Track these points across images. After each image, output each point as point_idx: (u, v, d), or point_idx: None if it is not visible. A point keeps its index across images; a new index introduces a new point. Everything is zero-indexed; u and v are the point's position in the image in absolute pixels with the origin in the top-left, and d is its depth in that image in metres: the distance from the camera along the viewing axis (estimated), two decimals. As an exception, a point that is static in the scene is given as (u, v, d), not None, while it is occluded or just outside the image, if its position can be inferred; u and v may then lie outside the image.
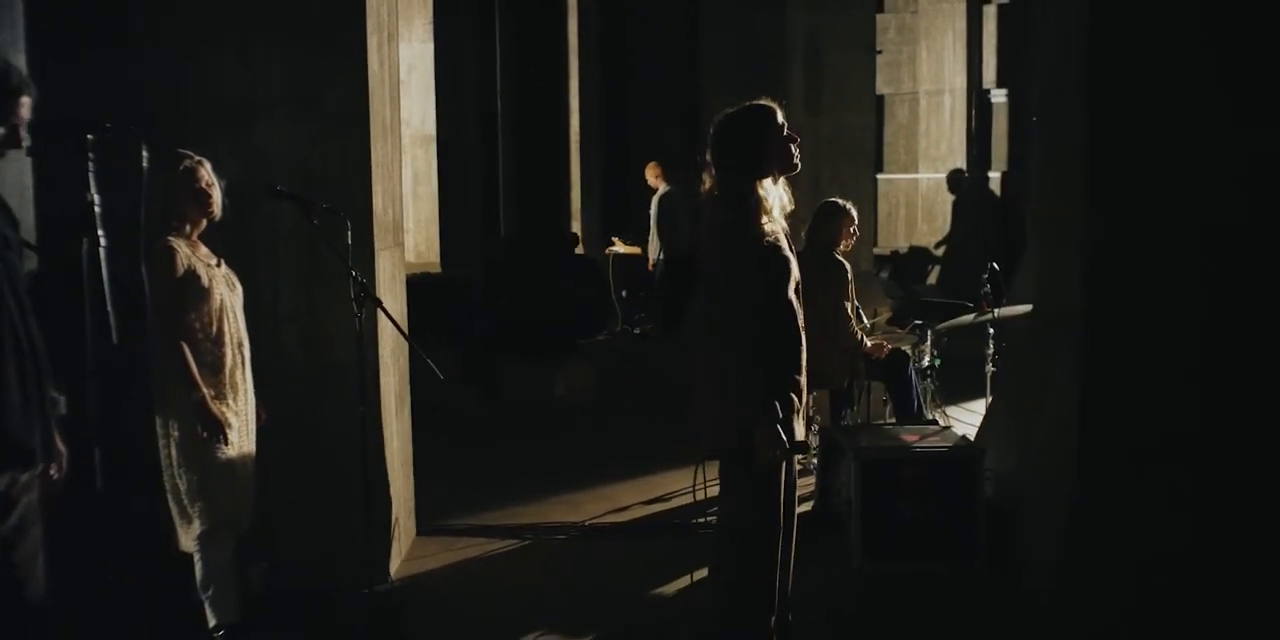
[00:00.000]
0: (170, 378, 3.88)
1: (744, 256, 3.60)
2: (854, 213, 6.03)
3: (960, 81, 13.57)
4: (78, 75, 3.77)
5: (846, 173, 7.92)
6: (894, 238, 13.67)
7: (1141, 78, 4.46)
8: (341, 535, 4.63)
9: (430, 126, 9.59)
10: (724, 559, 3.91)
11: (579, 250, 12.14)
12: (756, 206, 3.62)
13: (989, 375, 6.39)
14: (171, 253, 3.84)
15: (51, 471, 3.05)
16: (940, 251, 13.52)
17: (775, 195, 3.67)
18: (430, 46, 9.60)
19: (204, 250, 4.00)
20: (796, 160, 3.70)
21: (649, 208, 11.22)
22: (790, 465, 3.78)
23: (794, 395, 3.59)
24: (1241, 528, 4.27)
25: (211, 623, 4.02)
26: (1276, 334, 4.39)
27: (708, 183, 3.76)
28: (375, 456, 4.58)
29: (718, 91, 8.46)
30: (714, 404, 3.66)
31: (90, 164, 2.91)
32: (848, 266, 5.95)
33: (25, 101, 2.86)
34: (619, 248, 12.16)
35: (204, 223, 3.99)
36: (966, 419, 7.01)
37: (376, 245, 4.72)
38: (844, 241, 5.97)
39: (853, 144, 8.21)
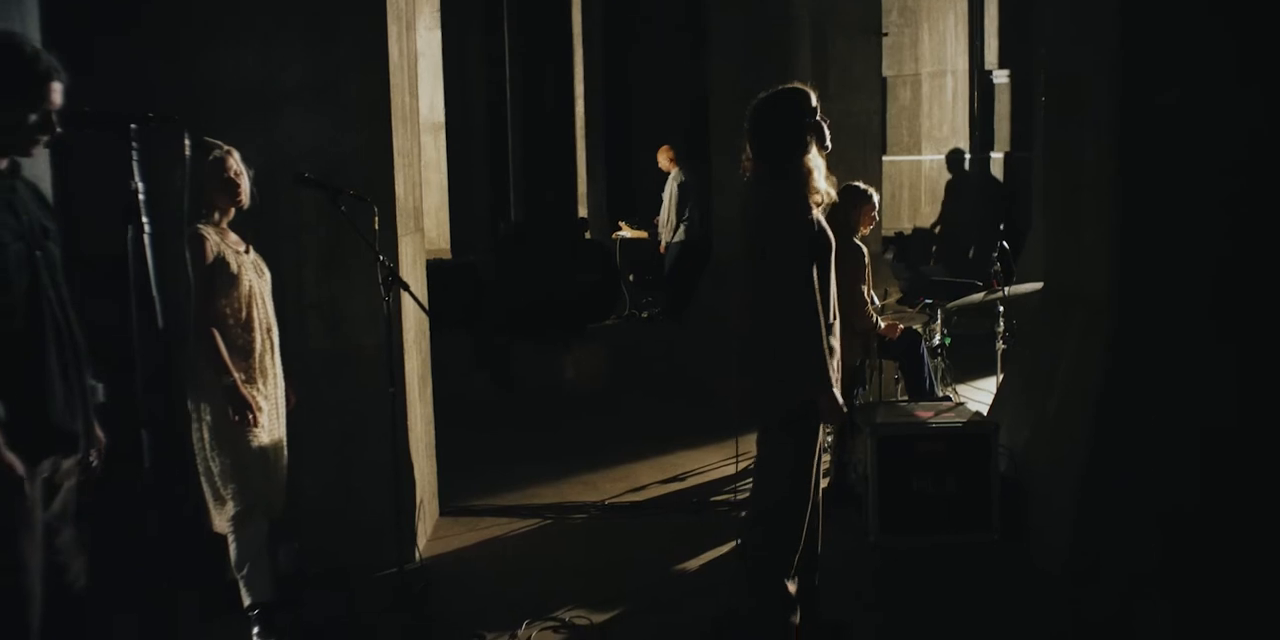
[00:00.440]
0: (201, 363, 3.97)
1: (794, 232, 3.74)
2: (876, 198, 6.12)
3: (962, 63, 13.58)
4: (93, 67, 3.81)
5: (854, 156, 7.98)
6: (898, 219, 13.71)
7: (1175, 56, 4.55)
8: (368, 516, 4.73)
9: (439, 114, 9.65)
10: (756, 528, 4.00)
11: (587, 235, 12.21)
12: (801, 185, 3.77)
13: (999, 352, 6.47)
14: (201, 240, 3.92)
15: (91, 458, 3.12)
16: (938, 231, 13.59)
17: (822, 181, 3.79)
18: (437, 34, 9.65)
19: (233, 237, 4.08)
20: (829, 142, 3.83)
21: (661, 192, 11.29)
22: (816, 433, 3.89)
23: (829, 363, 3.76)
24: (1252, 500, 4.36)
25: (246, 602, 4.11)
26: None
27: (747, 165, 3.88)
28: (402, 438, 4.66)
29: (725, 77, 8.53)
30: (769, 373, 3.79)
31: (134, 153, 2.97)
32: (865, 251, 6.03)
33: (57, 87, 2.90)
34: (626, 232, 12.23)
35: (233, 211, 4.07)
36: (976, 397, 7.10)
37: (399, 231, 4.80)
38: (864, 227, 6.04)
39: (860, 127, 8.28)
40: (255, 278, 4.08)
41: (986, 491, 4.99)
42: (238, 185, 4.01)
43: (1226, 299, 4.57)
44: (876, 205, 6.10)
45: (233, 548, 4.09)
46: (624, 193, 13.69)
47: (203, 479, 4.09)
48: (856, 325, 5.94)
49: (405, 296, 4.59)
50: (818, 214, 3.84)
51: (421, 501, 5.06)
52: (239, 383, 3.95)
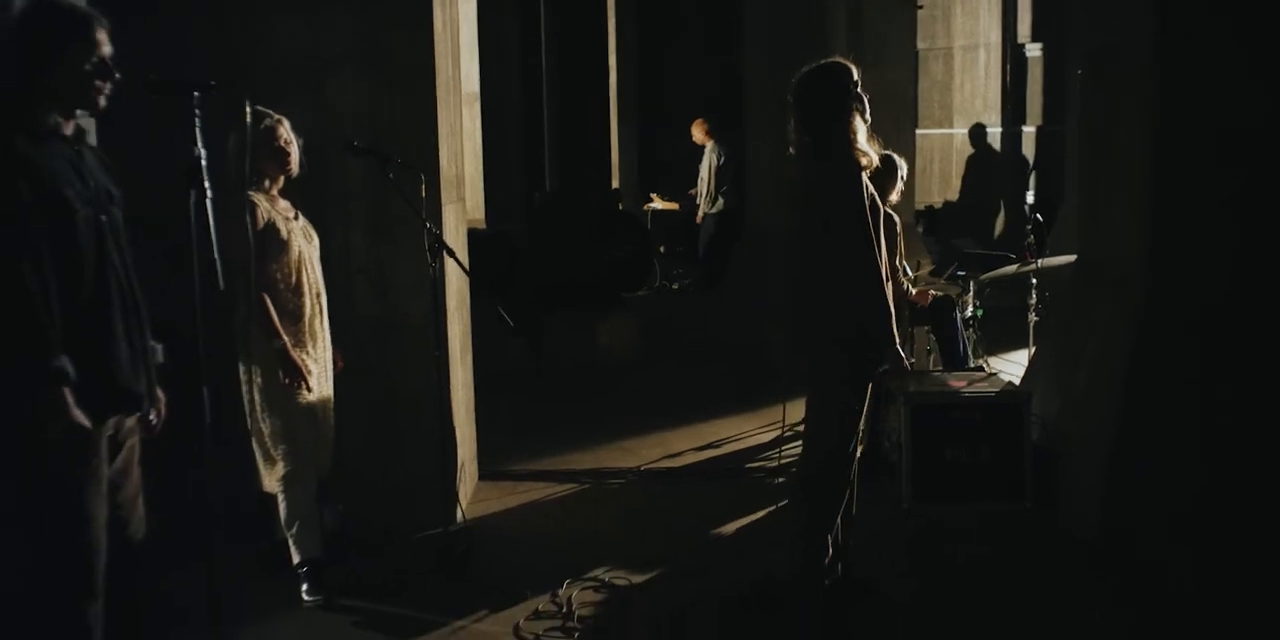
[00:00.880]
0: (253, 327, 4.07)
1: (852, 200, 3.85)
2: (904, 167, 6.15)
3: (995, 36, 13.52)
4: (139, 37, 3.86)
5: (888, 127, 7.98)
6: (928, 193, 13.70)
7: (1211, 29, 4.57)
8: (410, 479, 4.84)
9: (474, 84, 9.69)
10: (810, 490, 4.09)
11: (620, 206, 12.27)
12: (849, 152, 3.88)
13: (1031, 324, 6.51)
14: (252, 206, 4.01)
15: (151, 417, 3.23)
16: (966, 204, 13.59)
17: (867, 145, 3.89)
18: (473, 4, 9.68)
19: (283, 204, 4.17)
20: (869, 114, 3.91)
21: (698, 164, 11.35)
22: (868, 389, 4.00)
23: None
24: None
25: (295, 560, 4.23)
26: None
27: (794, 136, 3.96)
28: (446, 402, 4.75)
29: (759, 49, 8.54)
30: (832, 334, 3.93)
31: (196, 119, 3.05)
32: (897, 220, 6.06)
33: (102, 34, 2.97)
34: (657, 204, 12.29)
35: (282, 179, 4.16)
36: (1007, 368, 7.13)
37: (442, 199, 4.88)
38: (894, 195, 6.08)
39: (894, 99, 8.30)
40: (304, 243, 4.17)
41: (1019, 460, 5.05)
42: (288, 153, 4.10)
43: (1257, 279, 4.59)
44: (903, 175, 6.14)
45: (283, 507, 4.21)
46: (654, 165, 13.72)
47: (253, 440, 4.20)
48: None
49: (448, 264, 4.67)
50: (864, 177, 3.93)
51: (462, 465, 5.17)
52: (289, 346, 4.05)
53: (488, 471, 5.68)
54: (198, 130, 3.06)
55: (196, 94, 3.06)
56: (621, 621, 4.06)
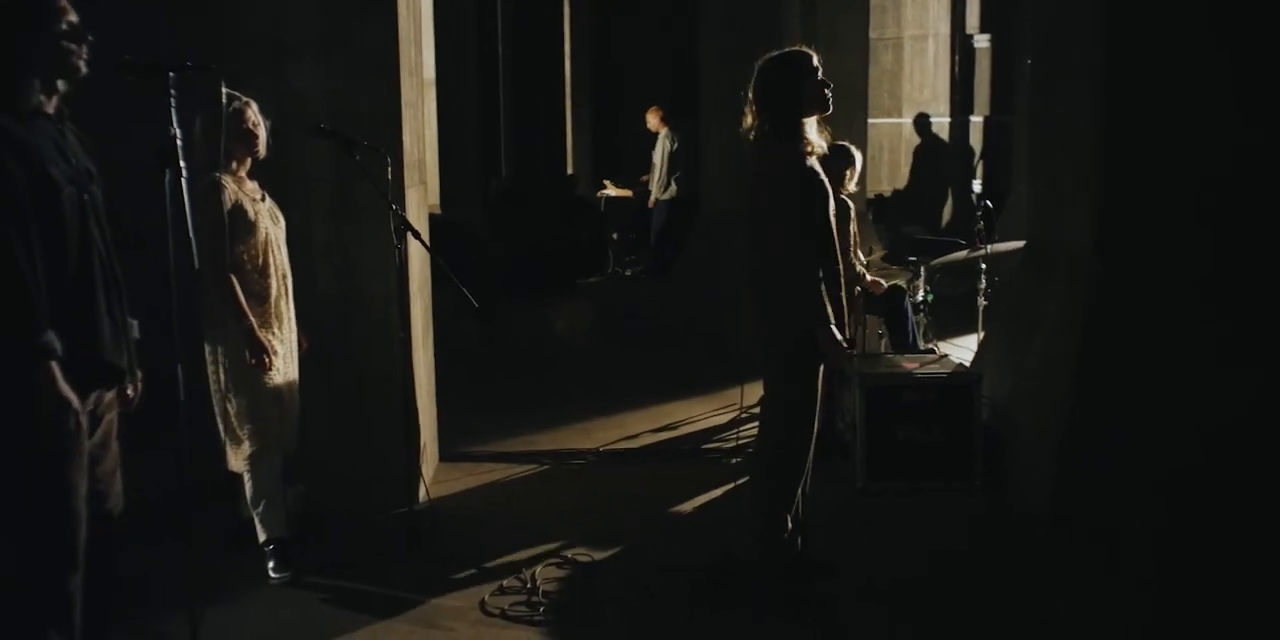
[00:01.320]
0: (219, 307, 4.10)
1: (792, 181, 3.93)
2: (858, 156, 6.27)
3: (944, 27, 13.71)
4: (102, 18, 3.87)
5: (840, 117, 8.05)
6: (878, 182, 13.88)
7: (1159, 18, 4.71)
8: (372, 459, 4.89)
9: (429, 70, 9.71)
10: (764, 468, 4.19)
11: (576, 193, 12.34)
12: (800, 141, 3.95)
13: (981, 308, 6.66)
14: (219, 187, 4.04)
15: (129, 391, 3.27)
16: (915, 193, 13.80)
17: (815, 134, 3.97)
18: (429, -10, 9.69)
19: (250, 185, 4.20)
20: (830, 103, 3.99)
21: (650, 151, 11.46)
22: (821, 378, 4.07)
23: (838, 305, 3.97)
24: (1231, 453, 4.56)
25: (261, 538, 4.28)
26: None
27: (750, 120, 4.04)
28: (409, 383, 4.80)
29: (714, 36, 8.63)
30: (767, 315, 4.00)
31: (172, 101, 3.09)
32: (851, 206, 6.19)
33: (65, 2, 2.98)
34: (610, 191, 12.37)
35: (249, 160, 4.19)
36: (956, 352, 7.29)
37: (405, 183, 4.92)
38: (850, 184, 6.20)
39: (847, 88, 8.38)
40: (271, 225, 4.21)
41: (970, 440, 5.19)
42: (255, 135, 4.13)
43: (1206, 259, 4.75)
44: (858, 164, 6.26)
45: (248, 485, 4.26)
46: (609, 151, 13.79)
47: (218, 419, 4.23)
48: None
49: (410, 246, 4.71)
50: (814, 164, 4.01)
51: (424, 446, 5.22)
52: (255, 327, 4.09)
53: (448, 453, 5.74)
54: (173, 111, 3.11)
55: (172, 75, 3.10)
56: (585, 597, 4.14)
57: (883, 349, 6.68)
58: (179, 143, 3.10)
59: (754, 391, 4.65)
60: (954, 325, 7.50)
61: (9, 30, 2.93)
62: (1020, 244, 6.29)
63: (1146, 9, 4.78)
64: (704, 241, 8.92)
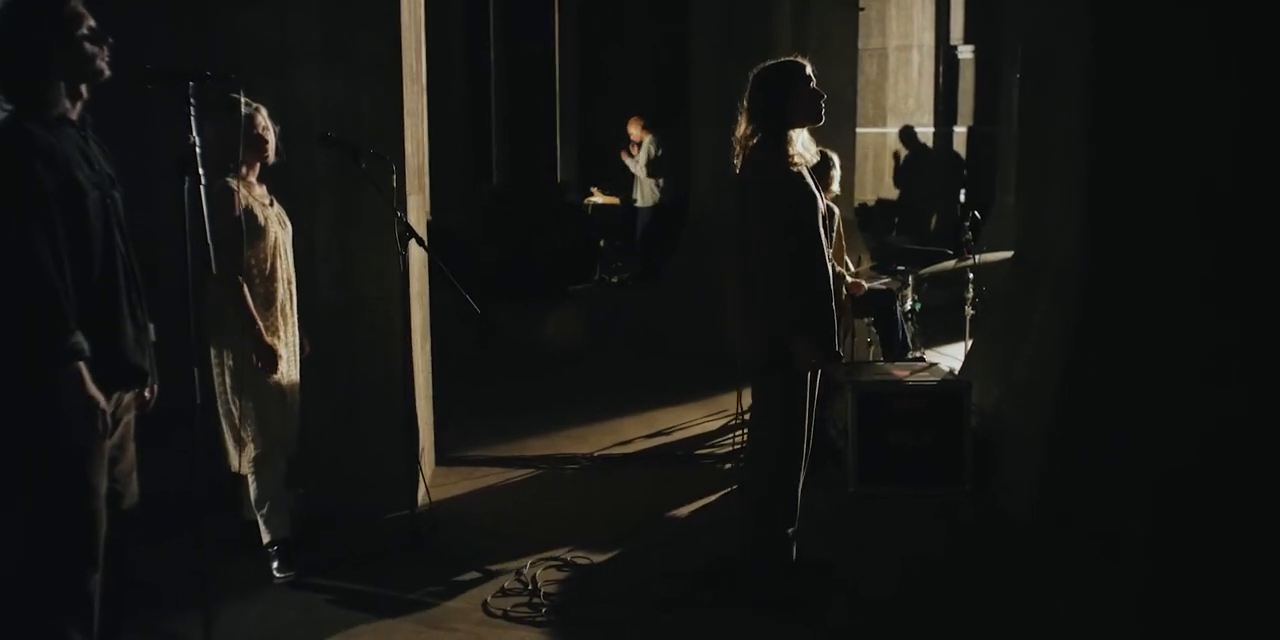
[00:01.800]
0: (227, 311, 4.15)
1: (776, 185, 4.00)
2: (836, 160, 6.35)
3: (928, 37, 13.86)
4: (107, 25, 3.92)
5: (828, 126, 8.15)
6: (862, 191, 14.01)
7: (1146, 28, 4.81)
8: (372, 462, 4.96)
9: (423, 76, 9.76)
10: (755, 473, 4.26)
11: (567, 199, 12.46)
12: (787, 149, 4.01)
13: (968, 318, 6.76)
14: (230, 192, 4.10)
15: (145, 393, 3.33)
16: (900, 203, 13.93)
17: (802, 142, 4.04)
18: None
19: (259, 190, 4.27)
20: (823, 114, 4.06)
21: (634, 158, 11.61)
22: (814, 383, 4.14)
23: (826, 312, 3.99)
24: (1216, 458, 4.66)
25: (266, 539, 4.34)
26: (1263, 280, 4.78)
27: (743, 127, 4.11)
28: (410, 387, 4.86)
29: (707, 46, 8.72)
30: (751, 319, 4.06)
31: (191, 109, 3.16)
32: (837, 212, 6.27)
33: (82, 7, 3.05)
34: (597, 198, 12.46)
35: (259, 166, 4.25)
36: (942, 360, 7.39)
37: (407, 189, 4.99)
38: (832, 187, 6.29)
39: (835, 98, 8.44)
40: (280, 230, 4.27)
41: (959, 446, 5.28)
42: (265, 141, 4.19)
43: (1193, 268, 4.86)
44: (837, 172, 6.33)
45: (253, 487, 4.31)
46: (595, 159, 13.87)
47: (223, 421, 4.28)
48: None
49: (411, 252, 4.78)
50: (804, 172, 4.07)
51: (422, 449, 5.28)
52: (263, 331, 4.15)
53: (444, 457, 5.80)
54: (192, 119, 3.17)
55: (191, 84, 3.17)
56: (585, 598, 4.21)
57: (872, 356, 6.79)
58: (198, 150, 3.15)
59: (747, 397, 4.72)
60: (940, 334, 7.60)
61: (33, 36, 2.99)
62: (1007, 254, 6.40)
63: (1134, 20, 4.88)
64: (694, 247, 9.01)
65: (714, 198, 8.73)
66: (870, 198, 14.10)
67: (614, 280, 11.96)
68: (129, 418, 3.28)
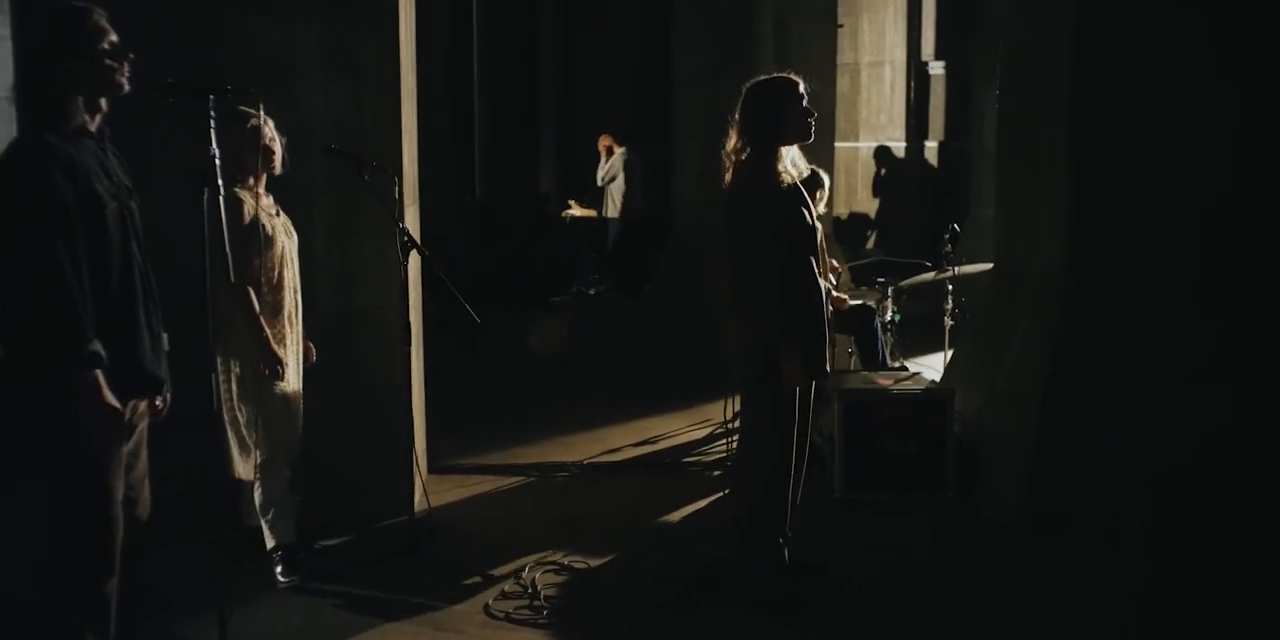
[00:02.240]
0: (235, 319, 4.22)
1: (765, 198, 4.08)
2: (826, 180, 6.50)
3: (900, 54, 14.08)
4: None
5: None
6: (836, 204, 14.18)
7: (1128, 38, 4.97)
8: (370, 468, 5.03)
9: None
10: (744, 481, 4.37)
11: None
12: (776, 164, 4.10)
13: (947, 328, 6.91)
14: (239, 202, 4.17)
15: (158, 402, 3.40)
16: (875, 217, 14.12)
17: (791, 159, 4.14)
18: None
19: (266, 201, 4.34)
20: (812, 132, 4.16)
21: (599, 170, 11.83)
22: (807, 393, 4.24)
23: (817, 327, 4.08)
24: (1197, 463, 4.81)
25: (270, 544, 4.40)
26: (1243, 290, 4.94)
27: (733, 141, 4.20)
28: (406, 395, 4.94)
29: (690, 61, 8.87)
30: (743, 332, 4.14)
31: (211, 121, 3.24)
32: (819, 228, 6.39)
33: (105, 23, 3.12)
34: (575, 210, 12.58)
35: (265, 176, 4.33)
36: (922, 371, 7.53)
37: (405, 201, 5.07)
38: (820, 207, 6.41)
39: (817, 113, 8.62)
40: (286, 240, 4.35)
41: (943, 453, 5.40)
42: (273, 151, 4.27)
43: (1173, 278, 5.02)
44: (825, 190, 6.46)
45: (258, 493, 4.37)
46: (573, 172, 14.00)
47: (228, 428, 4.34)
48: None
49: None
50: (796, 185, 4.16)
51: (416, 457, 5.35)
52: (271, 339, 4.22)
53: (436, 465, 5.86)
54: (212, 131, 3.25)
55: (211, 97, 3.25)
56: (584, 600, 4.29)
57: (852, 367, 6.91)
58: (218, 162, 3.24)
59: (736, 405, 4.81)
60: (918, 345, 7.74)
61: (54, 51, 3.07)
62: (986, 266, 6.55)
63: (1116, 29, 5.04)
64: (678, 259, 9.12)
65: (698, 210, 8.86)
66: (843, 211, 14.28)
67: (591, 292, 12.06)
68: (143, 425, 3.35)
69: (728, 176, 4.27)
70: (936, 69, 13.90)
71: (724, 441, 6.32)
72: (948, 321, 6.92)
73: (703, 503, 5.41)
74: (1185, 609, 4.18)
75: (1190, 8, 4.93)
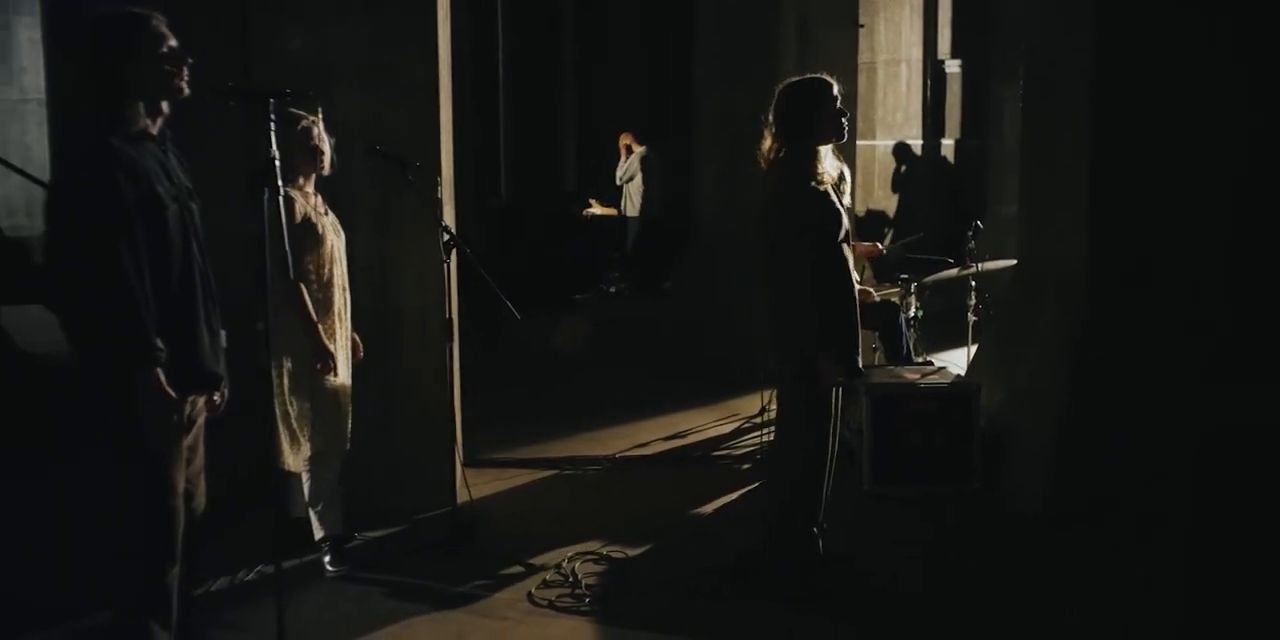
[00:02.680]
0: (287, 315, 4.33)
1: (807, 199, 4.17)
2: (848, 175, 6.59)
3: (916, 52, 14.12)
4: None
5: (830, 139, 8.44)
6: (853, 202, 14.27)
7: (1149, 42, 5.07)
8: (411, 462, 5.16)
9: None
10: (778, 475, 4.47)
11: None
12: (814, 165, 4.19)
13: (970, 324, 7.00)
14: (291, 202, 4.29)
15: (216, 397, 3.52)
16: (893, 215, 14.19)
17: (830, 162, 4.23)
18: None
19: (315, 200, 4.46)
20: (845, 132, 4.25)
21: (623, 170, 11.91)
22: (839, 392, 4.34)
23: (852, 328, 4.18)
24: (1216, 457, 4.91)
25: (319, 535, 4.52)
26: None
27: (768, 143, 4.29)
28: (449, 390, 5.05)
29: (712, 62, 8.97)
30: (780, 332, 4.23)
31: (271, 124, 3.36)
32: (846, 226, 6.51)
33: (165, 28, 3.24)
34: (596, 209, 12.69)
35: (314, 176, 4.45)
36: (946, 366, 7.62)
37: (444, 200, 5.19)
38: (842, 200, 6.52)
39: (837, 111, 8.72)
40: (335, 238, 4.47)
41: (969, 446, 5.50)
42: (322, 152, 4.39)
43: (1194, 273, 5.11)
44: (849, 184, 6.55)
45: (308, 485, 4.50)
46: (594, 171, 14.11)
47: (279, 422, 4.45)
48: None
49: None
50: (827, 190, 4.27)
51: (457, 451, 5.47)
52: (322, 335, 4.34)
53: (471, 459, 5.98)
54: (272, 134, 3.37)
55: (272, 100, 3.37)
56: (624, 590, 4.41)
57: (877, 362, 7.01)
58: (277, 164, 3.35)
59: (753, 403, 4.97)
60: (941, 341, 7.84)
61: (115, 57, 3.18)
62: (1009, 262, 6.65)
63: (1137, 26, 5.13)
64: (698, 257, 9.23)
65: (716, 210, 8.97)
66: (860, 209, 14.36)
67: (611, 290, 12.17)
68: (200, 421, 3.47)
69: (765, 177, 4.36)
70: (953, 67, 13.96)
71: (752, 436, 6.43)
72: (971, 317, 7.01)
73: (733, 495, 5.52)
74: (1212, 605, 4.27)
75: (1206, 6, 5.03)
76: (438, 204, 4.70)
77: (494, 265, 9.39)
